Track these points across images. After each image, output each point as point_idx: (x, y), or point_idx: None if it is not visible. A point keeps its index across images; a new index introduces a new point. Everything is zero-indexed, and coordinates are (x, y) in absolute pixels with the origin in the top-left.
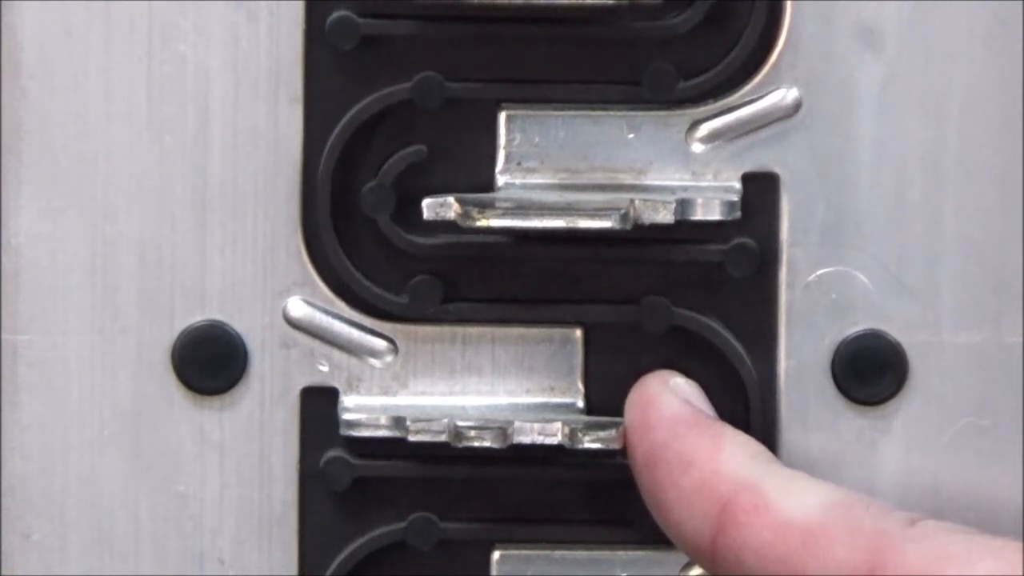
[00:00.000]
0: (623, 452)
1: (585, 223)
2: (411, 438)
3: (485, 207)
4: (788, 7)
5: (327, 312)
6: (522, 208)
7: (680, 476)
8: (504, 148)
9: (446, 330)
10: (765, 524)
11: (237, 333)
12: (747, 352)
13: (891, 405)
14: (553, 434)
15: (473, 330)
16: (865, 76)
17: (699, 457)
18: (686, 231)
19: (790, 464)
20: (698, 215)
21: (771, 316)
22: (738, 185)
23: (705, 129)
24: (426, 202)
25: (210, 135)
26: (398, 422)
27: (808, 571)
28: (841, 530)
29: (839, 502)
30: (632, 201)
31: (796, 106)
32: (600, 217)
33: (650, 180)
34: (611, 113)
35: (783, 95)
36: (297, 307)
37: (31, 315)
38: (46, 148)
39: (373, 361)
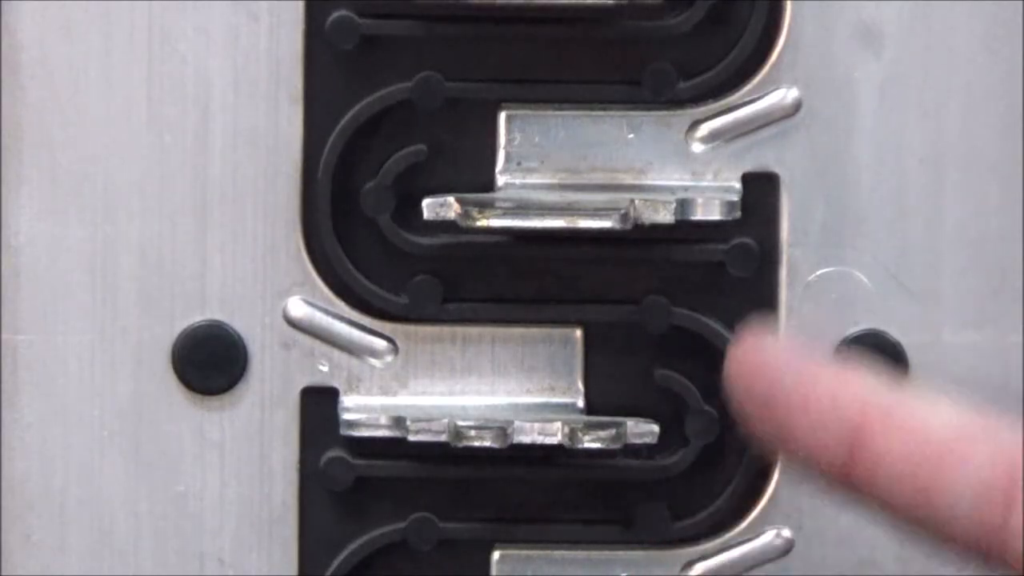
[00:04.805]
0: (623, 452)
1: (585, 223)
2: (411, 438)
3: (485, 207)
4: (788, 7)
5: (327, 312)
6: (522, 208)
7: (806, 408)
8: (504, 148)
9: (446, 330)
10: (901, 438)
11: (237, 333)
12: None
13: None
14: (553, 434)
15: (473, 330)
16: (865, 76)
17: (822, 385)
18: (686, 231)
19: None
20: (698, 215)
21: (771, 316)
22: (738, 185)
23: (705, 129)
24: (426, 202)
25: (210, 135)
26: (398, 422)
27: (943, 483)
28: (977, 444)
29: (973, 416)
30: (632, 201)
31: (796, 106)
32: (600, 217)
33: (650, 180)
34: (611, 113)
35: (783, 95)
36: (297, 307)
37: (31, 315)
38: (46, 148)
39: (373, 361)
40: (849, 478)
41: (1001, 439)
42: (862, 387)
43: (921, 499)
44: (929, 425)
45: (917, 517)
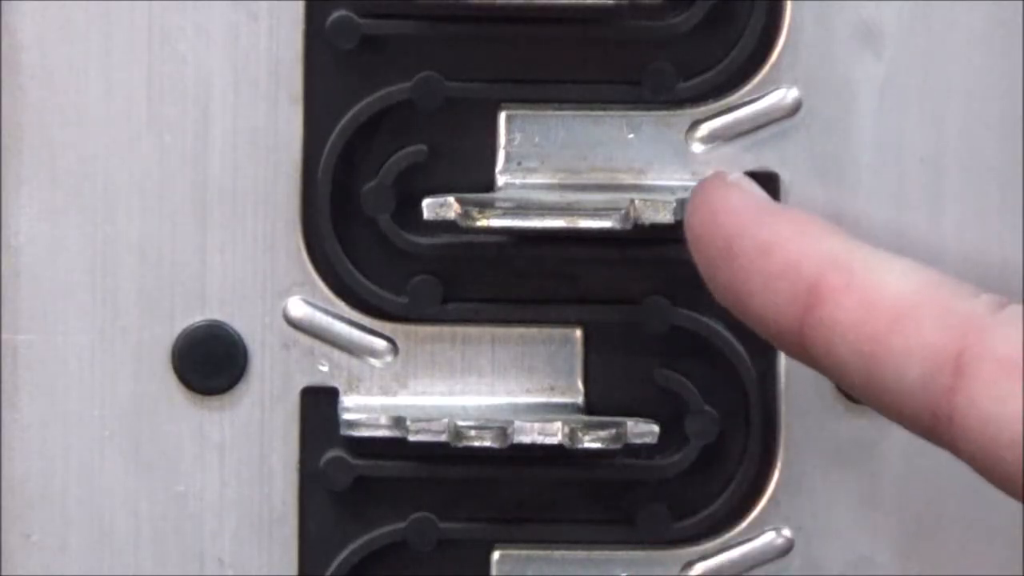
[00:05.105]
0: (623, 452)
1: (585, 223)
2: (411, 438)
3: (485, 207)
4: (788, 7)
5: (327, 312)
6: (522, 208)
7: (763, 262)
8: (504, 148)
9: (446, 330)
10: (854, 302)
11: (237, 333)
12: (747, 352)
13: None
14: (553, 434)
15: (473, 330)
16: (865, 76)
17: (781, 240)
18: None
19: (789, 465)
20: None
21: None
22: None
23: (705, 129)
24: (426, 202)
25: (210, 135)
26: (398, 422)
27: (894, 350)
28: (930, 310)
29: (929, 281)
30: (632, 201)
31: (796, 106)
32: (600, 217)
33: (650, 180)
34: (611, 113)
35: (783, 95)
36: (297, 307)
37: (31, 315)
38: (46, 148)
39: (373, 361)
40: (802, 342)
41: (954, 306)
42: (820, 244)
43: (872, 366)
44: (883, 289)
45: (868, 386)
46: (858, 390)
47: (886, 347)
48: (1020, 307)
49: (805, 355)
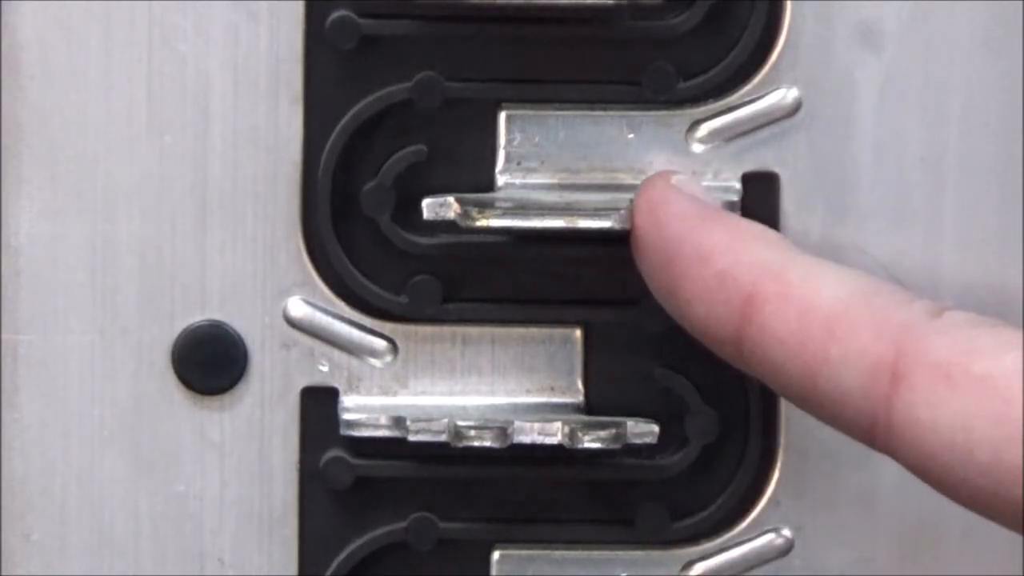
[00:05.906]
0: (623, 452)
1: (585, 223)
2: (411, 438)
3: (485, 207)
4: (788, 7)
5: (327, 312)
6: (522, 208)
7: (700, 269)
8: (504, 148)
9: (446, 330)
10: (790, 311)
11: (237, 333)
12: None
13: None
14: (553, 434)
15: (473, 330)
16: (865, 76)
17: (718, 248)
18: None
19: (790, 464)
20: None
21: None
22: (738, 185)
23: (705, 129)
24: (426, 202)
25: (210, 135)
26: (398, 422)
27: (831, 359)
28: (866, 318)
29: (865, 289)
30: (632, 201)
31: (796, 106)
32: (600, 217)
33: None
34: (611, 113)
35: (783, 95)
36: (297, 307)
37: (31, 315)
38: (46, 148)
39: (373, 361)
40: (740, 350)
41: (889, 313)
42: (757, 252)
43: (810, 374)
44: (818, 297)
45: (807, 394)
46: (798, 399)
47: (823, 356)
48: (957, 313)
49: (744, 363)
